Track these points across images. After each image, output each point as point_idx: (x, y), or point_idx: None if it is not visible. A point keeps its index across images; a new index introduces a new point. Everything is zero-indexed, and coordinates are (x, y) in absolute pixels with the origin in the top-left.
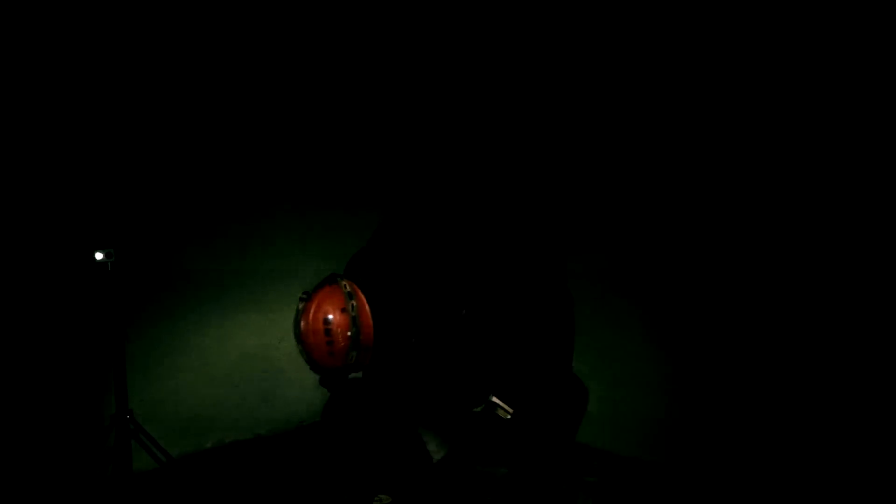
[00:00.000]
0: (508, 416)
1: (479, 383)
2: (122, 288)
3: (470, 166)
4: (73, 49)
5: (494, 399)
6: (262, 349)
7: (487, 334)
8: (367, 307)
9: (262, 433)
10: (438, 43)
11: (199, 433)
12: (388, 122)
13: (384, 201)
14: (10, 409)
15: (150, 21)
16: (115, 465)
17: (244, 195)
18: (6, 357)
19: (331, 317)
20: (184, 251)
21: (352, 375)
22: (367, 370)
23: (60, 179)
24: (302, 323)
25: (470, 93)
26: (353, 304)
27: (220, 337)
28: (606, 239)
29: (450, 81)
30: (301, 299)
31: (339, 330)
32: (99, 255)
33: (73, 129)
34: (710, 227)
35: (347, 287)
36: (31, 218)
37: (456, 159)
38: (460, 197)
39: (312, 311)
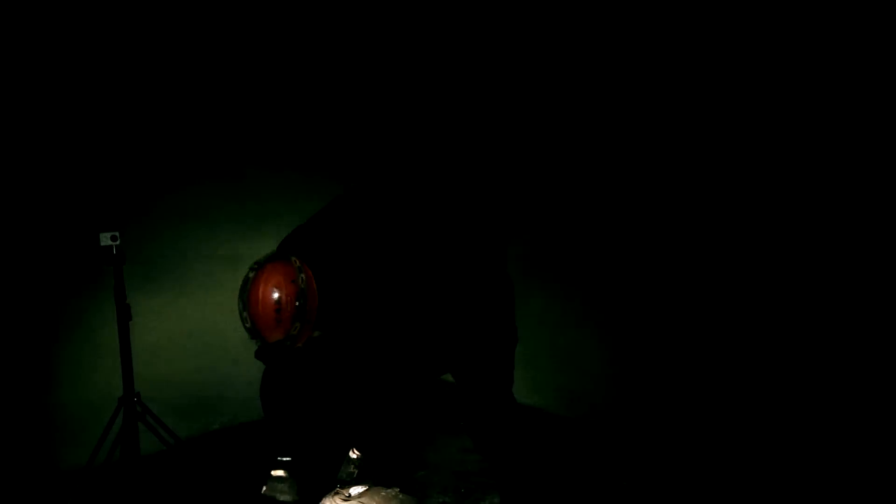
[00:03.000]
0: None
1: (425, 360)
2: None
3: (415, 157)
4: None
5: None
6: None
7: (433, 312)
8: (314, 283)
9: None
10: (394, 31)
11: (207, 415)
12: (340, 110)
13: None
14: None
15: None
16: (123, 448)
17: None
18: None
19: (281, 288)
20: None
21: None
22: (307, 343)
23: (60, 166)
24: (251, 290)
25: (427, 87)
26: (302, 277)
27: (226, 317)
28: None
29: (408, 75)
30: (252, 269)
31: (288, 300)
32: (104, 238)
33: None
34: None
35: (297, 262)
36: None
37: (405, 149)
38: (406, 184)
39: (263, 279)
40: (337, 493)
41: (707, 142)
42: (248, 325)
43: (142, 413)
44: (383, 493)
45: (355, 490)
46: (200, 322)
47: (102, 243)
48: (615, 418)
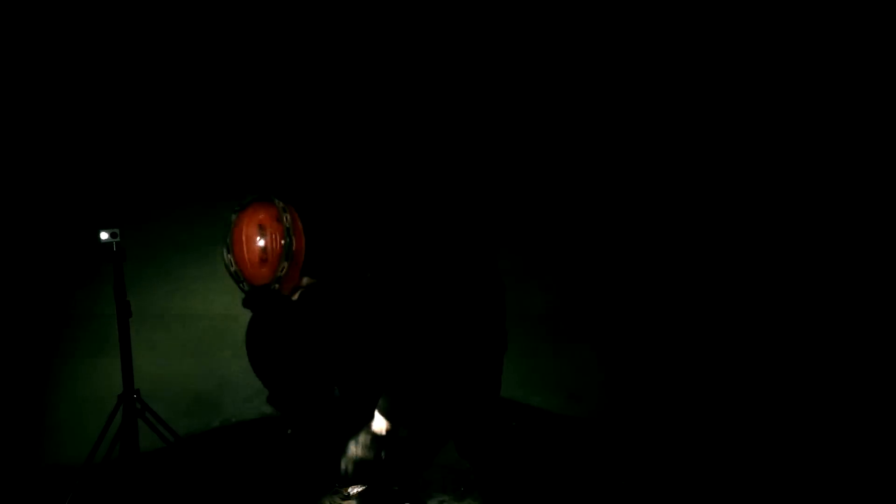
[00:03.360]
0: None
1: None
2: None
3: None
4: None
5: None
6: None
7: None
8: (300, 223)
9: (268, 413)
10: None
11: (207, 412)
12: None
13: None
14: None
15: None
16: (122, 445)
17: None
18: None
19: (265, 227)
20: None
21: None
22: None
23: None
24: (234, 231)
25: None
26: (287, 217)
27: (227, 317)
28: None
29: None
30: (234, 211)
31: (273, 236)
32: (104, 235)
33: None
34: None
35: (280, 203)
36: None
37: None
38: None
39: (247, 218)
40: (336, 493)
41: (689, 151)
42: (232, 269)
43: (141, 410)
44: (383, 493)
45: (354, 489)
46: (201, 319)
47: (103, 239)
48: (615, 417)
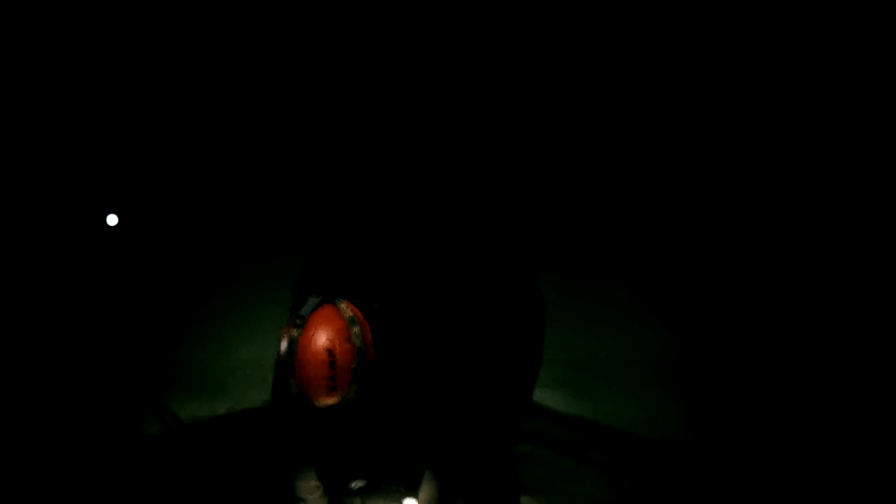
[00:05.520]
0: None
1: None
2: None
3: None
4: None
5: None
6: (279, 316)
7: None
8: (369, 334)
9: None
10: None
11: (212, 399)
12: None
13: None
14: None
15: None
16: (126, 429)
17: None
18: None
19: (334, 349)
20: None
21: None
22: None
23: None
24: (299, 355)
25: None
26: (355, 332)
27: (234, 304)
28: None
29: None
30: (294, 325)
31: (343, 362)
32: (112, 220)
33: None
34: None
35: (348, 311)
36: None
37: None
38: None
39: (312, 340)
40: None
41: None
42: (294, 392)
43: (146, 394)
44: (385, 489)
45: (356, 484)
46: (209, 304)
47: (110, 224)
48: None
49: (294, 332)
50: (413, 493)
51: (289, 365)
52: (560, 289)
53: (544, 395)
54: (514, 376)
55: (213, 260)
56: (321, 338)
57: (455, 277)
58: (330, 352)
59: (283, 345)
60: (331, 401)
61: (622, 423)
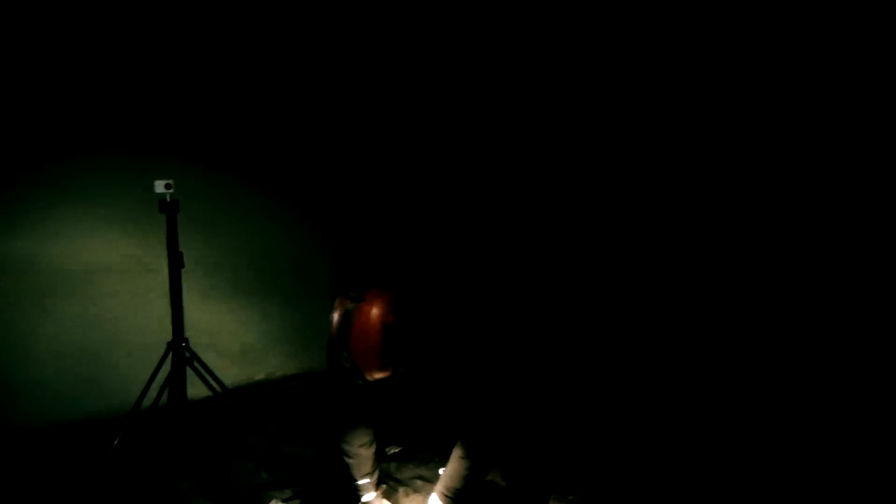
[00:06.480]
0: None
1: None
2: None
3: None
4: None
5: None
6: (322, 281)
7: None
8: (417, 315)
9: (313, 368)
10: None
11: (252, 365)
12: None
13: None
14: None
15: None
16: (171, 392)
17: None
18: None
19: (390, 323)
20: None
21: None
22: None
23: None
24: (354, 327)
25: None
26: (404, 311)
27: (273, 270)
28: None
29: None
30: (350, 297)
31: (396, 338)
32: (158, 187)
33: None
34: None
35: (396, 294)
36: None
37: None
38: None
39: (367, 314)
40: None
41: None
42: (347, 365)
43: (190, 359)
44: (419, 457)
45: (391, 449)
46: (249, 270)
47: (157, 191)
48: None
49: (349, 304)
50: (447, 463)
51: (341, 338)
52: None
53: None
54: (548, 360)
55: None
56: (377, 311)
57: (490, 273)
58: (385, 325)
59: (336, 316)
60: (381, 374)
61: None
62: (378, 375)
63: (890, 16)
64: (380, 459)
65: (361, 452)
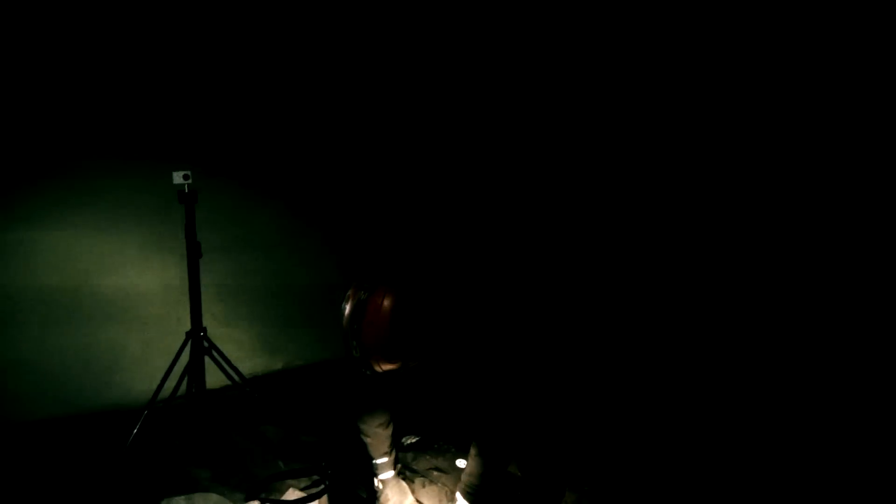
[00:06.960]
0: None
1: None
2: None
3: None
4: None
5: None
6: (340, 274)
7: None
8: (430, 309)
9: (333, 356)
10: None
11: (270, 355)
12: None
13: None
14: None
15: None
16: (189, 381)
17: None
18: None
19: (400, 315)
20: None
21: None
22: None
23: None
24: (367, 318)
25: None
26: (417, 304)
27: (292, 260)
28: None
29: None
30: (363, 288)
31: (408, 330)
32: (177, 177)
33: None
34: None
35: (407, 288)
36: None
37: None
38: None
39: (379, 305)
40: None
41: None
42: (356, 355)
43: (208, 348)
44: (436, 447)
45: (408, 440)
46: (268, 262)
47: (175, 182)
48: None
49: (362, 294)
50: (464, 455)
51: (354, 327)
52: None
53: None
54: (564, 356)
55: None
56: (388, 303)
57: (501, 269)
58: (396, 317)
59: (348, 307)
60: (389, 366)
61: None
62: (386, 367)
63: (890, 16)
64: (397, 449)
65: (379, 432)
